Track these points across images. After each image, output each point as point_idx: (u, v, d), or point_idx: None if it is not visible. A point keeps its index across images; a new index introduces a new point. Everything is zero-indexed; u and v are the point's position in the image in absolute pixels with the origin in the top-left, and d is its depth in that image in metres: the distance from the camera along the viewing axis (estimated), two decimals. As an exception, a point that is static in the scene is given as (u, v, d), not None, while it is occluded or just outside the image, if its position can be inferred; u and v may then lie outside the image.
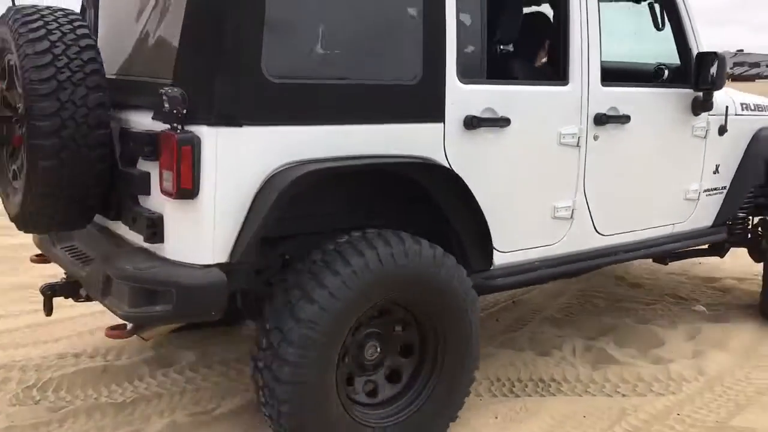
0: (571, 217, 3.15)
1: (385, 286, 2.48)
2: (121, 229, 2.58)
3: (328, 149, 2.38)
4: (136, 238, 2.46)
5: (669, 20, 3.56)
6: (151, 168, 2.33)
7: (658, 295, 4.73)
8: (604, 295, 4.71)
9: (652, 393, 3.30)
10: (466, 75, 2.70)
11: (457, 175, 2.65)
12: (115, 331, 2.43)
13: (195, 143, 2.15)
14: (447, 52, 2.62)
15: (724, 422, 3.04)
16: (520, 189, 2.94)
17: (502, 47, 3.53)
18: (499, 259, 2.92)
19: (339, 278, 2.35)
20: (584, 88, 3.08)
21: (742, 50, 54.02)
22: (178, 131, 2.15)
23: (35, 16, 2.31)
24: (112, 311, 2.35)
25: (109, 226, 2.72)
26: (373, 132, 2.49)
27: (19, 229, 2.58)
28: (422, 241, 2.56)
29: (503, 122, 2.79)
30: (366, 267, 2.39)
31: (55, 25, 2.30)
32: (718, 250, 4.16)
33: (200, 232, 2.24)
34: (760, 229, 4.23)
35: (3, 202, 2.69)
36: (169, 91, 2.13)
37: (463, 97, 2.69)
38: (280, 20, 2.24)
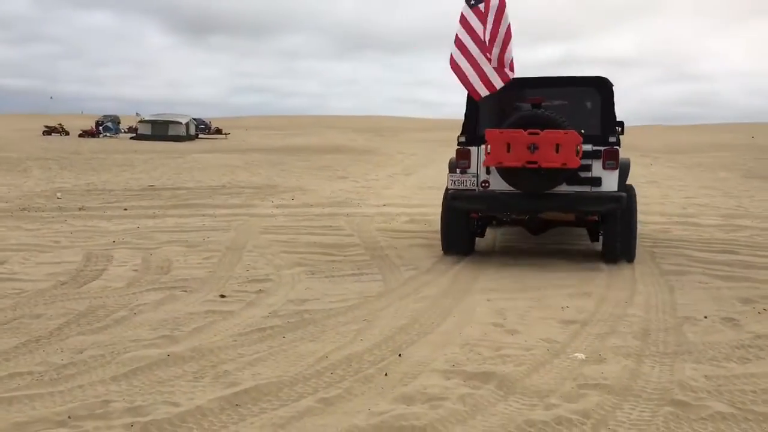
0: None
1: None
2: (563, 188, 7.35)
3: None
4: (573, 189, 7.36)
5: (608, 105, 7.59)
6: (594, 161, 7.36)
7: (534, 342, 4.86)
8: (488, 343, 4.79)
9: (546, 441, 3.34)
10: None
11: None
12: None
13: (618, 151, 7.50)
14: (613, 124, 7.60)
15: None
16: None
17: None
18: None
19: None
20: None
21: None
22: (616, 147, 7.36)
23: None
24: (583, 212, 7.52)
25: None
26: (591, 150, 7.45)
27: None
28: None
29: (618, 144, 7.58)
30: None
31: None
32: None
33: (615, 180, 7.36)
34: None
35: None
36: (613, 137, 7.40)
37: (613, 140, 7.46)
38: None
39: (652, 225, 10.79)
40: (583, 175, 7.38)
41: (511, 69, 7.54)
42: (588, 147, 7.27)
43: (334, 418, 3.62)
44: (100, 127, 54.23)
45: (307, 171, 23.52)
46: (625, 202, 7.31)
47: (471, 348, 4.72)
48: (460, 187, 7.68)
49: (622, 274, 7.10)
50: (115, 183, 17.96)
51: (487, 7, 7.49)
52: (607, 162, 7.36)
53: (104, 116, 63.43)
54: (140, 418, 3.56)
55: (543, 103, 7.53)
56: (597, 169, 7.38)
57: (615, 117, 7.60)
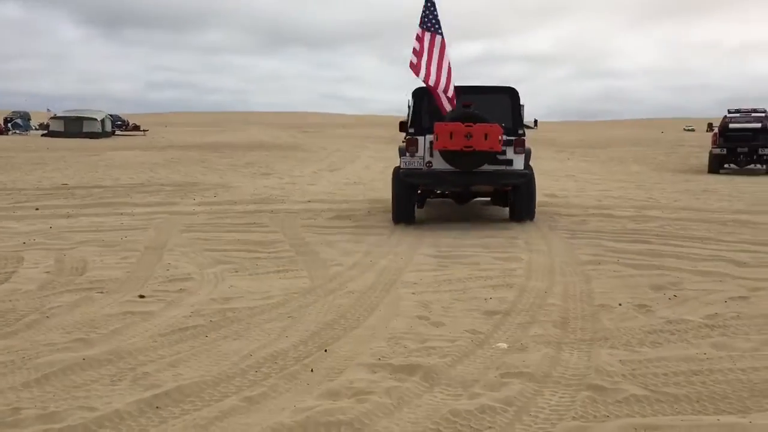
0: None
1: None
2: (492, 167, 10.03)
3: None
4: (493, 168, 9.93)
5: (516, 107, 10.25)
6: (508, 148, 9.90)
7: (458, 332, 4.93)
8: (413, 336, 4.82)
9: (471, 429, 3.39)
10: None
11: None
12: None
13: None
14: (521, 121, 10.31)
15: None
16: None
17: None
18: None
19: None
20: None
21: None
22: (523, 138, 10.14)
23: None
24: (500, 184, 10.29)
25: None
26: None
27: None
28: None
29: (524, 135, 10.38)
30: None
31: None
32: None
33: (522, 161, 10.06)
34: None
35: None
36: (522, 130, 10.15)
37: (521, 132, 10.21)
38: None
39: (570, 217, 11.13)
40: (500, 157, 9.92)
41: (453, 99, 10.13)
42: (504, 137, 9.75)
43: (259, 416, 3.56)
44: (9, 124, 51.69)
45: (231, 168, 23.09)
46: (529, 177, 10.14)
47: (397, 341, 4.74)
48: (410, 167, 10.11)
49: (542, 264, 7.29)
50: (26, 182, 17.16)
51: (432, 39, 10.18)
52: (517, 148, 10.07)
53: (13, 112, 60.47)
54: (54, 425, 3.41)
55: (472, 105, 9.85)
56: (510, 153, 10.03)
57: (522, 116, 10.36)
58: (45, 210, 11.93)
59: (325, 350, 4.55)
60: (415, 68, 10.01)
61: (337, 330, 5.03)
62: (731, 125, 23.17)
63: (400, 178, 10.11)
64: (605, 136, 58.27)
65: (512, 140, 9.97)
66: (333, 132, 64.68)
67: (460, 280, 6.59)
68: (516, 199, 10.34)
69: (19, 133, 48.98)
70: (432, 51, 10.10)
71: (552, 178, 20.36)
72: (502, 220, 10.68)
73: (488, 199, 11.97)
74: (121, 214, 11.52)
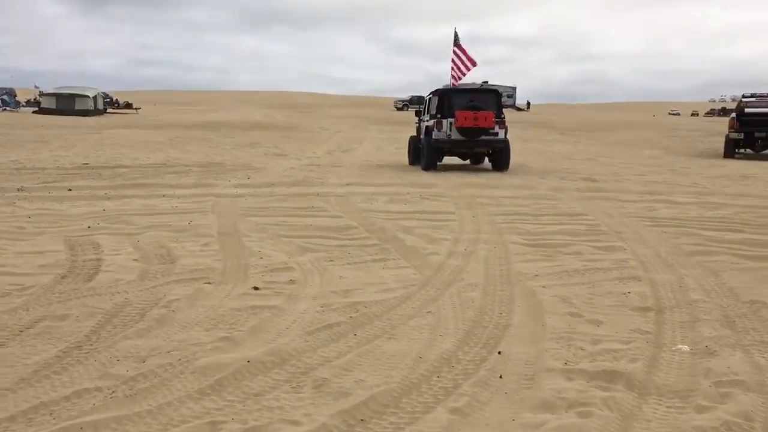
0: None
1: None
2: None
3: None
4: (487, 138, 16.52)
5: (499, 100, 17.49)
6: (496, 126, 16.45)
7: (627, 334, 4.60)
8: (581, 336, 4.48)
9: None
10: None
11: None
12: None
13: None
14: (501, 109, 17.16)
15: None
16: None
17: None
18: None
19: None
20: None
21: (486, 81, 61.31)
22: (504, 119, 16.88)
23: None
24: (491, 147, 16.93)
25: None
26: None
27: None
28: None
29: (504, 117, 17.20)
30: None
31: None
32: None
33: (504, 134, 16.68)
34: None
35: None
36: (503, 115, 17.01)
37: (503, 116, 16.93)
38: None
39: (631, 203, 10.84)
40: (491, 131, 16.20)
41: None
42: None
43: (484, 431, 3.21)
44: (-3, 100, 50.29)
45: (238, 148, 22.54)
46: (507, 143, 16.59)
47: (568, 342, 4.39)
48: (438, 138, 16.31)
49: (648, 254, 6.97)
50: (41, 161, 16.52)
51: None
52: (501, 126, 16.37)
53: (-2, 88, 58.89)
54: (265, 443, 3.03)
55: (474, 100, 16.61)
56: (497, 129, 16.27)
57: (502, 106, 17.27)
58: (79, 191, 11.40)
59: (499, 353, 4.20)
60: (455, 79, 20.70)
61: (488, 328, 4.67)
62: (747, 110, 23.03)
63: (431, 144, 16.33)
64: (599, 119, 58.18)
65: (498, 121, 16.25)
66: (326, 112, 63.93)
67: (578, 272, 6.25)
68: (499, 157, 16.66)
69: (10, 110, 47.67)
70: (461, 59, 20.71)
71: (575, 162, 20.12)
72: (570, 206, 10.36)
73: (467, 162, 18.23)
74: (164, 196, 11.02)
